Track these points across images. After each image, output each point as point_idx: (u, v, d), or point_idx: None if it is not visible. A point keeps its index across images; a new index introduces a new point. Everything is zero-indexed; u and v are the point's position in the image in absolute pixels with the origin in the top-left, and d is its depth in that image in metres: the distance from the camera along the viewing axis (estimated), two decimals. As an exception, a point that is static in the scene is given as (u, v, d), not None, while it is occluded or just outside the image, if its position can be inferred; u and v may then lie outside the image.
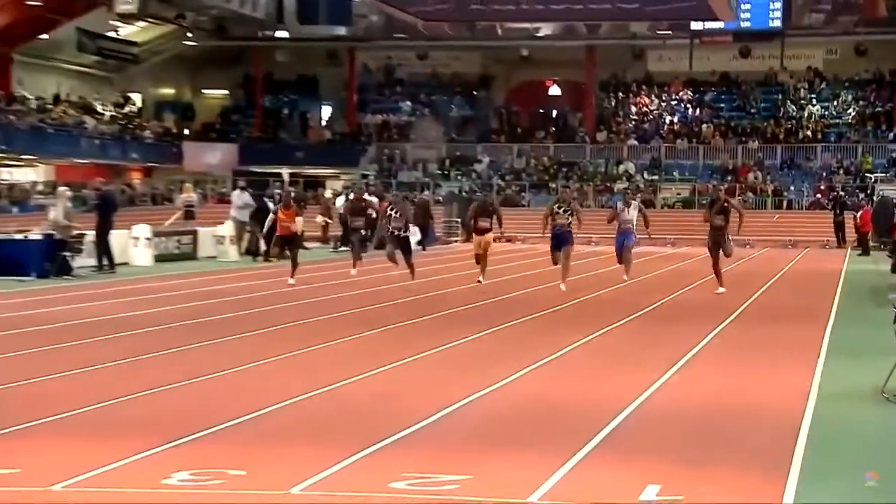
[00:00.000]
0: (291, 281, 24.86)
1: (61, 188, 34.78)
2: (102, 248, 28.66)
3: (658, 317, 19.19)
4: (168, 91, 66.74)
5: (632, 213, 25.48)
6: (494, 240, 28.23)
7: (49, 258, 26.51)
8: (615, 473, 8.10)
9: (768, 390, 12.08)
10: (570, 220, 23.68)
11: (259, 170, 55.15)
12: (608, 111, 63.81)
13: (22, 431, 9.45)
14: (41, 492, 7.64)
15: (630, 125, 63.18)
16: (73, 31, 55.42)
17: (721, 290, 23.45)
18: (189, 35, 60.78)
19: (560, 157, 60.46)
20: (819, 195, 54.63)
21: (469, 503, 7.41)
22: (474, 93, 66.03)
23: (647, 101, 64.34)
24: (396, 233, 24.31)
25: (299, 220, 26.76)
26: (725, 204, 23.93)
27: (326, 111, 66.89)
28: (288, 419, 10.14)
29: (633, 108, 64.20)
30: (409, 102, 65.85)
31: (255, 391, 11.25)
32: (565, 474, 7.99)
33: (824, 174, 56.75)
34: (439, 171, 60.14)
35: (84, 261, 28.06)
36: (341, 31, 60.14)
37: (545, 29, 57.64)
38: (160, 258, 31.66)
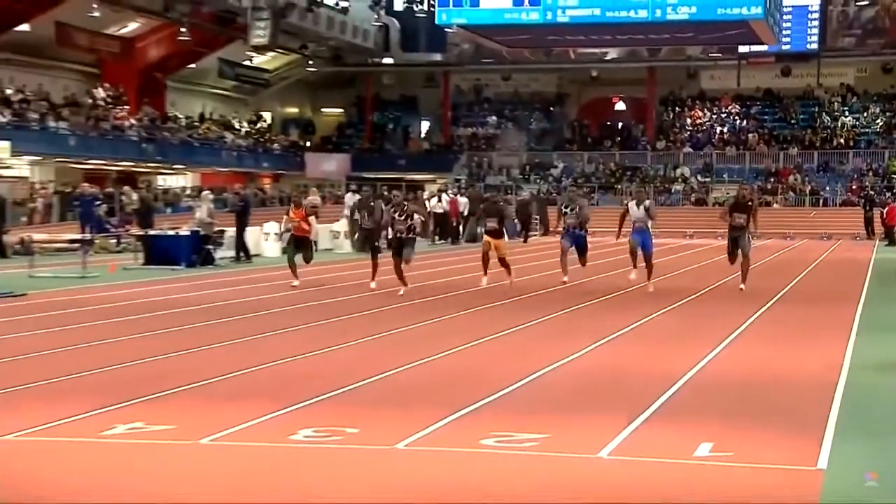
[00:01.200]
0: (295, 283, 20.76)
1: (205, 192, 35.26)
2: (240, 242, 29.11)
3: (710, 299, 19.05)
4: (293, 110, 67.27)
5: (642, 211, 20.51)
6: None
7: (196, 251, 27.03)
8: (673, 433, 8.02)
9: (806, 361, 11.94)
10: (579, 220, 20.38)
11: (368, 176, 55.34)
12: (666, 123, 63.59)
13: (176, 394, 9.61)
14: (192, 444, 7.78)
15: (685, 135, 62.95)
16: (215, 61, 56.30)
17: (742, 287, 19.54)
18: (310, 63, 61.29)
19: (624, 162, 60.56)
20: (850, 194, 54.70)
21: (547, 458, 7.34)
22: (550, 108, 66.01)
23: (700, 114, 64.04)
24: (400, 235, 19.59)
25: (313, 220, 22.54)
26: (749, 203, 19.94)
27: (425, 125, 67.19)
28: (394, 386, 10.17)
29: (688, 121, 63.93)
30: (494, 117, 65.85)
31: (366, 362, 11.23)
32: (630, 434, 7.94)
33: (855, 176, 56.61)
34: (520, 176, 60.46)
35: (224, 253, 28.66)
36: (437, 57, 60.42)
37: (612, 53, 57.35)
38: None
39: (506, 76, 64.33)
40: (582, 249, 20.95)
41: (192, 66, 56.11)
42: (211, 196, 35.09)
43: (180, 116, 56.19)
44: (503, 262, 19.82)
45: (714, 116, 63.72)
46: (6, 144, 41.76)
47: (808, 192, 56.10)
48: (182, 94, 58.01)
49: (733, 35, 39.06)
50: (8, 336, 13.45)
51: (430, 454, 7.45)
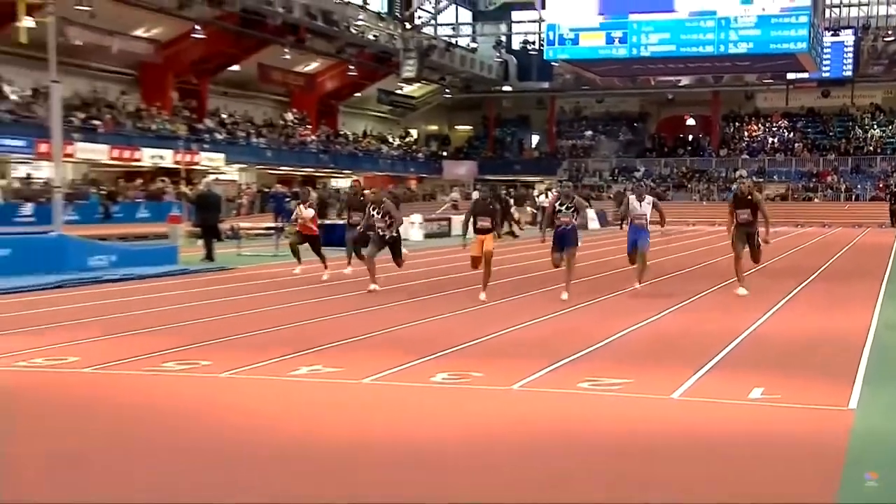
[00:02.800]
0: (325, 276, 16.97)
1: (366, 189, 35.52)
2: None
3: (759, 276, 18.63)
4: (433, 127, 67.47)
5: (644, 208, 15.91)
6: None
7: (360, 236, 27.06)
8: (731, 380, 7.96)
9: (840, 324, 11.69)
10: (574, 217, 14.72)
11: (491, 177, 55.35)
12: (728, 135, 62.44)
13: (341, 346, 9.65)
14: (356, 383, 7.88)
15: (743, 144, 61.79)
16: (374, 90, 56.71)
17: (743, 291, 14.67)
18: (447, 91, 61.37)
19: (693, 166, 59.62)
20: (878, 191, 53.71)
21: (629, 398, 7.35)
22: (634, 124, 65.14)
23: (755, 128, 62.72)
24: (382, 233, 15.42)
25: (309, 212, 18.06)
26: (749, 197, 14.72)
27: (535, 138, 66.81)
28: (503, 343, 10.09)
29: (746, 133, 62.70)
30: (590, 131, 65.20)
31: (474, 327, 11.08)
32: (696, 380, 7.91)
33: (882, 176, 55.24)
34: (610, 177, 59.92)
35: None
36: (545, 85, 59.91)
37: (684, 80, 56.33)
38: (428, 236, 32.07)
39: (599, 99, 63.71)
40: (570, 242, 14.70)
41: (358, 94, 56.71)
42: (370, 191, 35.54)
43: (348, 133, 56.87)
44: (487, 262, 14.45)
45: (766, 130, 62.36)
46: (222, 156, 43.03)
47: (843, 189, 55.18)
48: (350, 116, 58.70)
49: (783, 64, 38.38)
50: (222, 299, 13.81)
51: (538, 393, 7.48)
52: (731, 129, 63.16)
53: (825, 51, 42.02)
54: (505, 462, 5.80)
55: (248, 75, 47.62)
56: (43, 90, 32.15)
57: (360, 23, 49.53)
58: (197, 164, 41.23)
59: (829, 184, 56.15)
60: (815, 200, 54.55)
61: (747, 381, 7.76)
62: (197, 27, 40.94)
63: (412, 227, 31.12)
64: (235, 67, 46.48)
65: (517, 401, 7.32)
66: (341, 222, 19.55)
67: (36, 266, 16.06)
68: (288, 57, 47.86)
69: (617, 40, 35.50)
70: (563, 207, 14.45)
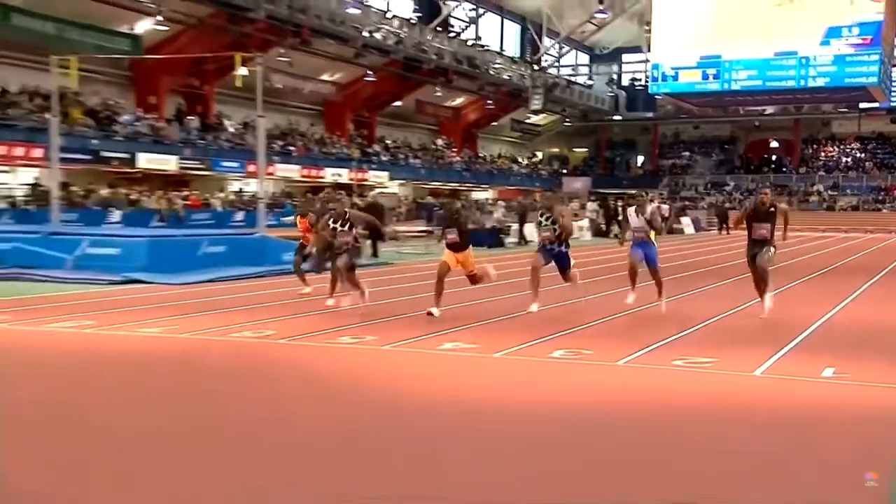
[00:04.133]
0: (330, 302, 11.60)
1: (500, 201, 35.66)
2: (521, 232, 29.04)
3: (833, 274, 17.90)
4: (555, 150, 66.93)
5: (643, 221, 11.64)
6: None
7: (493, 238, 27.10)
8: (806, 360, 7.64)
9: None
10: (556, 231, 10.73)
11: (602, 191, 54.52)
12: (807, 155, 59.92)
13: (480, 326, 9.45)
14: (489, 357, 7.77)
15: (819, 163, 59.17)
16: (508, 120, 56.65)
17: (766, 308, 10.53)
18: (567, 120, 60.94)
19: (776, 181, 57.05)
20: None
21: (716, 374, 7.17)
22: (725, 146, 63.09)
23: (830, 149, 60.05)
24: (344, 247, 10.98)
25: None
26: (772, 209, 10.97)
27: (640, 158, 65.54)
28: (612, 327, 9.92)
29: (822, 153, 60.09)
30: (687, 152, 63.55)
31: (588, 312, 10.85)
32: (775, 360, 7.63)
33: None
34: (704, 191, 58.24)
35: (510, 239, 28.45)
36: (650, 114, 58.77)
37: (769, 109, 54.40)
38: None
39: (695, 126, 61.88)
40: (563, 264, 10.95)
41: (494, 123, 56.74)
42: (502, 203, 35.58)
43: (486, 155, 56.99)
44: (473, 277, 11.01)
45: (841, 151, 59.67)
46: (386, 174, 43.78)
47: (908, 201, 52.40)
48: (487, 141, 58.80)
49: (856, 95, 36.81)
50: (384, 287, 14.01)
51: (637, 368, 7.36)
52: (810, 151, 60.65)
53: (894, 83, 39.86)
54: (607, 421, 5.77)
55: (408, 109, 48.34)
56: (251, 123, 33.41)
57: (496, 65, 49.64)
58: (366, 180, 42.11)
59: (896, 196, 53.57)
60: (883, 211, 51.83)
61: (820, 362, 7.44)
62: (369, 72, 41.85)
63: (536, 232, 30.88)
64: (398, 103, 47.22)
65: (621, 374, 7.22)
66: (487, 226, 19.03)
67: (244, 260, 16.61)
68: (439, 94, 48.43)
69: (711, 76, 34.68)
70: (544, 219, 10.46)
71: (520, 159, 61.24)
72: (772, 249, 10.64)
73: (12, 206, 27.05)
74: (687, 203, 50.22)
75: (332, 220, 10.87)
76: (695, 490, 4.35)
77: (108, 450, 5.01)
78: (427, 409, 6.04)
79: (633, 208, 11.42)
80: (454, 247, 10.52)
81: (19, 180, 29.07)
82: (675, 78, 35.40)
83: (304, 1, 35.51)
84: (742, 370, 7.25)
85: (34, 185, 28.35)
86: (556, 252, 10.57)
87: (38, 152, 26.16)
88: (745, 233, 10.78)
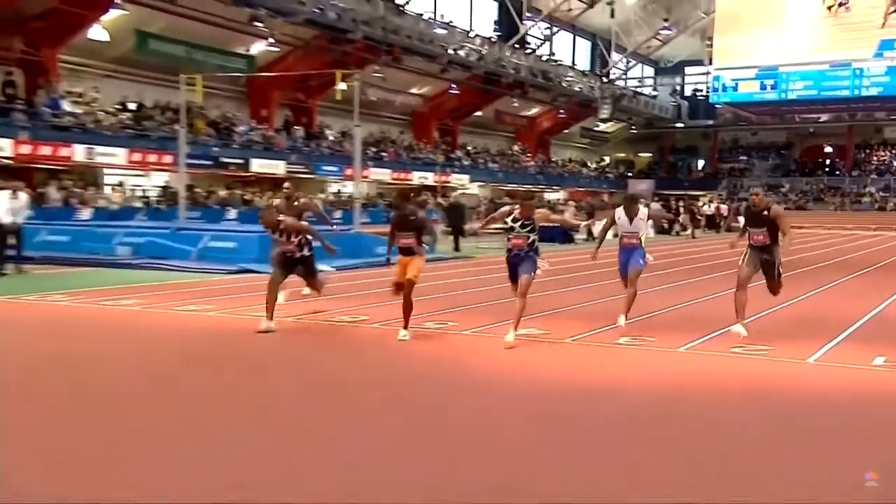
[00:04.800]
0: (266, 326, 8.26)
1: (570, 202, 35.22)
2: (589, 229, 28.31)
3: (883, 270, 17.16)
4: (621, 154, 65.67)
5: (637, 224, 8.89)
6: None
7: (563, 235, 26.69)
8: (857, 350, 7.47)
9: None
10: (532, 238, 8.01)
11: (666, 192, 53.47)
12: (860, 160, 57.08)
13: (551, 314, 9.24)
14: (560, 342, 7.59)
15: (872, 167, 56.34)
16: (578, 128, 56.03)
17: (740, 330, 7.94)
18: (633, 127, 59.82)
19: (830, 184, 55.09)
20: None
21: (772, 361, 7.01)
22: (781, 151, 60.66)
23: (883, 154, 57.10)
24: (290, 255, 8.77)
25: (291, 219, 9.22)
26: (766, 213, 8.06)
27: (701, 163, 63.60)
28: (674, 317, 9.74)
29: (875, 158, 57.30)
30: (745, 157, 61.46)
31: (653, 303, 10.49)
32: (827, 349, 7.58)
33: None
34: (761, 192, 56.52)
35: (579, 236, 27.92)
36: (710, 122, 57.37)
37: (823, 116, 52.43)
38: (617, 235, 31.16)
39: (753, 132, 59.80)
40: (528, 269, 8.02)
41: (566, 131, 56.06)
42: (572, 203, 35.17)
43: (557, 160, 56.43)
44: (408, 289, 8.10)
45: (893, 155, 56.87)
46: (467, 177, 43.73)
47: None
48: (559, 147, 58.14)
49: (907, 103, 35.23)
50: (465, 279, 14.09)
51: (696, 355, 7.24)
52: (863, 155, 57.96)
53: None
54: (669, 399, 5.71)
55: (487, 118, 48.24)
56: (349, 132, 33.83)
57: (568, 78, 49.11)
58: (449, 182, 42.14)
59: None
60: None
61: (871, 352, 7.22)
62: (453, 86, 41.91)
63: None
64: (479, 113, 47.11)
65: (682, 360, 7.13)
66: (552, 225, 18.42)
67: (343, 253, 16.91)
68: (516, 104, 48.20)
69: (769, 87, 33.73)
70: (518, 225, 7.90)
71: (588, 163, 60.40)
72: (779, 257, 8.07)
73: (146, 205, 28.03)
74: (744, 203, 48.89)
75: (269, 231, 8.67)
76: (753, 462, 4.28)
77: (242, 408, 5.20)
78: (507, 390, 6.06)
79: (620, 208, 8.81)
80: (407, 252, 8.09)
81: (152, 183, 30.11)
82: (735, 88, 34.61)
83: (397, 23, 35.83)
84: (795, 357, 7.07)
85: (164, 188, 29.37)
86: (522, 256, 7.89)
87: (168, 159, 27.09)
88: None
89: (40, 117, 26.26)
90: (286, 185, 11.93)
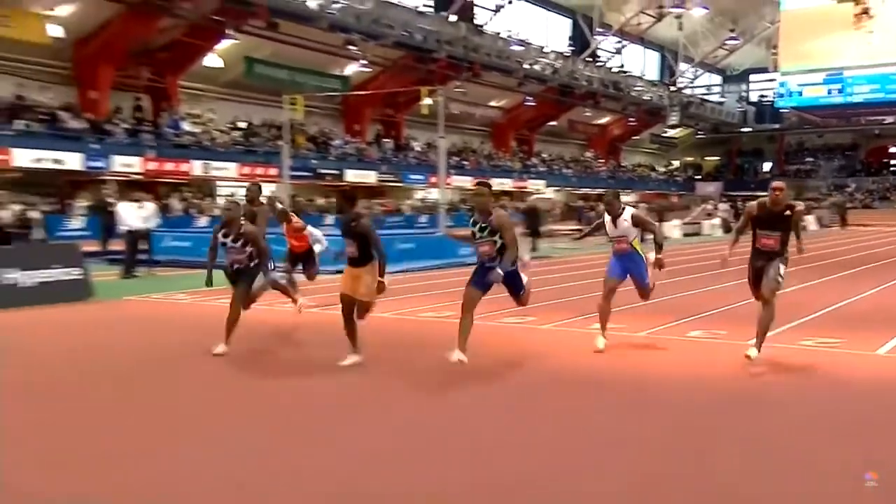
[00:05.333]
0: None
1: (641, 203, 34.37)
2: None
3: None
4: (689, 158, 63.75)
5: (622, 227, 6.75)
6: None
7: None
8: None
9: None
10: (499, 244, 5.81)
11: (733, 193, 51.72)
12: (926, 158, 54.32)
13: (629, 310, 8.95)
14: (636, 335, 7.46)
15: (939, 165, 53.46)
16: (647, 134, 54.87)
17: (752, 353, 6.07)
18: (699, 132, 58.15)
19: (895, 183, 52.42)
20: None
21: (844, 353, 6.68)
22: (846, 153, 57.84)
23: (950, 152, 54.09)
24: (237, 266, 6.94)
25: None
26: (787, 213, 6.02)
27: (767, 165, 61.15)
28: (745, 311, 9.39)
29: (941, 156, 54.29)
30: (811, 158, 58.82)
31: (722, 298, 10.10)
32: (896, 342, 7.03)
33: None
34: (826, 192, 53.75)
35: (649, 235, 26.96)
36: (776, 126, 55.22)
37: (889, 118, 49.73)
38: (685, 234, 30.32)
39: (819, 135, 57.06)
40: (516, 286, 6.30)
41: (635, 137, 54.97)
42: (643, 204, 34.32)
43: (627, 165, 55.37)
44: (360, 310, 6.30)
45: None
46: (543, 182, 43.35)
47: None
48: (628, 153, 57.00)
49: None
50: (543, 276, 13.88)
51: (769, 347, 6.76)
52: (928, 154, 54.96)
53: None
54: (753, 391, 5.51)
55: (561, 127, 47.78)
56: (433, 143, 34.11)
57: (638, 88, 48.23)
58: (526, 187, 41.93)
59: None
60: None
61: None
62: (529, 98, 41.70)
63: (674, 229, 29.73)
64: (553, 122, 46.73)
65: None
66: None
67: (428, 255, 16.92)
68: (588, 113, 47.60)
69: (835, 91, 32.23)
70: (478, 229, 6.06)
71: (657, 167, 59.01)
72: (781, 267, 6.20)
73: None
74: (811, 203, 46.61)
75: (221, 232, 7.02)
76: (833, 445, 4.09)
77: (358, 386, 5.29)
78: (580, 377, 5.97)
79: (607, 213, 7.00)
80: (353, 263, 6.33)
81: (259, 192, 30.97)
82: (801, 94, 33.19)
83: (476, 42, 35.91)
84: (865, 349, 6.73)
85: (269, 198, 30.13)
86: (487, 266, 6.03)
87: (273, 171, 27.90)
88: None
89: (164, 137, 27.44)
90: (250, 185, 9.65)
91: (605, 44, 46.43)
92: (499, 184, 40.19)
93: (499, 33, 38.67)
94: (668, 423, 4.69)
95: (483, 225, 5.99)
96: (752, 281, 6.38)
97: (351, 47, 30.93)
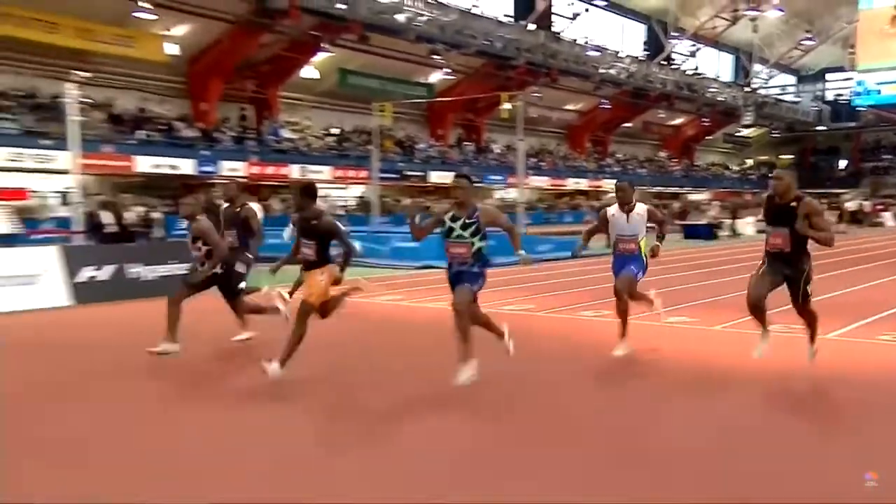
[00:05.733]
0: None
1: (714, 201, 33.17)
2: (732, 226, 26.82)
3: None
4: (763, 157, 61.12)
5: (634, 224, 5.74)
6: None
7: (709, 232, 25.31)
8: None
9: None
10: (477, 246, 4.91)
11: (808, 191, 48.83)
12: None
13: (698, 305, 8.78)
14: (709, 329, 7.24)
15: None
16: (720, 134, 52.91)
17: (761, 347, 5.31)
18: (774, 132, 55.64)
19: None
20: None
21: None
22: (928, 149, 54.45)
23: None
24: (196, 268, 6.17)
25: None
26: (793, 204, 4.90)
27: (843, 163, 57.98)
28: (822, 306, 8.93)
29: None
30: (889, 156, 55.24)
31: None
32: None
33: None
34: (906, 190, 50.84)
35: (723, 233, 26.12)
36: (852, 124, 52.25)
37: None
38: (759, 231, 28.96)
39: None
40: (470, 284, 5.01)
41: (709, 137, 53.00)
42: (717, 203, 33.13)
43: (701, 163, 53.51)
44: (300, 314, 5.24)
45: None
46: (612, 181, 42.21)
47: None
48: (702, 152, 54.98)
49: None
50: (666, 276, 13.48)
51: (846, 342, 6.62)
52: None
53: None
54: (837, 383, 5.18)
55: (636, 128, 46.64)
56: (512, 146, 33.84)
57: (712, 90, 46.59)
58: (601, 186, 41.01)
59: None
60: None
61: None
62: (604, 101, 40.88)
63: (748, 226, 28.52)
64: (628, 124, 45.64)
65: (832, 347, 6.46)
66: (697, 222, 17.52)
67: (508, 250, 16.81)
68: (662, 115, 46.32)
69: (914, 88, 30.16)
70: (459, 226, 5.12)
71: (731, 166, 56.79)
72: (806, 268, 5.09)
73: (346, 212, 29.49)
74: (888, 200, 43.75)
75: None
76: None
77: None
78: (659, 369, 5.76)
79: (614, 206, 6.01)
80: (309, 266, 5.48)
81: (350, 194, 31.63)
82: (879, 92, 31.23)
83: (554, 48, 35.47)
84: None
85: (360, 198, 30.73)
86: (461, 270, 5.13)
87: (363, 174, 28.36)
88: None
89: (266, 143, 28.30)
90: (228, 183, 8.36)
91: (679, 47, 45.04)
92: (574, 183, 39.67)
93: (575, 40, 38.05)
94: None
95: (468, 221, 4.97)
96: (757, 282, 5.02)
97: (435, 57, 31.06)
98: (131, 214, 19.25)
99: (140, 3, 23.23)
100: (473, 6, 33.16)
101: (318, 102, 31.94)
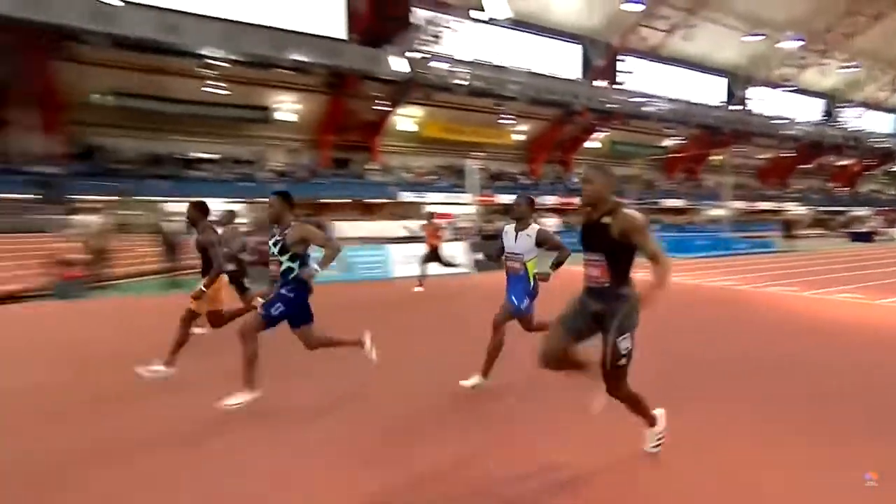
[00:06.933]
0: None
1: (878, 216, 35.41)
2: (890, 233, 28.19)
3: None
4: None
5: (520, 244, 3.87)
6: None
7: (869, 237, 26.42)
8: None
9: None
10: (286, 266, 3.63)
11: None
12: None
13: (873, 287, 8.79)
14: (873, 303, 7.32)
15: None
16: (880, 170, 53.35)
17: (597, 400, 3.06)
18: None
19: None
20: None
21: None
22: None
23: None
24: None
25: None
26: (605, 223, 2.93)
27: None
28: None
29: None
30: None
31: None
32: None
33: None
34: None
35: (879, 238, 26.31)
36: None
37: None
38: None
39: None
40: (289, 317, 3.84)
41: (869, 172, 53.56)
42: (879, 217, 34.89)
43: (864, 190, 52.76)
44: (184, 319, 4.50)
45: None
46: (796, 204, 44.63)
47: None
48: (864, 181, 53.89)
49: None
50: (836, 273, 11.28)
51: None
52: None
53: None
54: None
55: (811, 168, 49.93)
56: (720, 182, 40.94)
57: (872, 139, 49.11)
58: (783, 208, 42.31)
59: None
60: None
61: None
62: (785, 152, 46.79)
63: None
64: (807, 165, 47.99)
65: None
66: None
67: (721, 247, 17.47)
68: (832, 159, 49.97)
69: None
70: (272, 244, 4.02)
71: (887, 191, 54.36)
72: (619, 331, 3.27)
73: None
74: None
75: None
76: None
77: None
78: (802, 328, 5.78)
79: (512, 225, 4.58)
80: (202, 275, 4.97)
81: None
82: None
83: (749, 119, 42.20)
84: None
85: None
86: (279, 295, 4.07)
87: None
88: None
89: (567, 187, 39.52)
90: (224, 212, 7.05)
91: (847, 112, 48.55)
92: (764, 206, 44.99)
93: (762, 112, 44.43)
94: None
95: (278, 239, 4.01)
96: (563, 332, 3.20)
97: (668, 130, 41.15)
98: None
99: (501, 116, 35.73)
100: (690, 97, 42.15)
101: (600, 162, 41.96)
